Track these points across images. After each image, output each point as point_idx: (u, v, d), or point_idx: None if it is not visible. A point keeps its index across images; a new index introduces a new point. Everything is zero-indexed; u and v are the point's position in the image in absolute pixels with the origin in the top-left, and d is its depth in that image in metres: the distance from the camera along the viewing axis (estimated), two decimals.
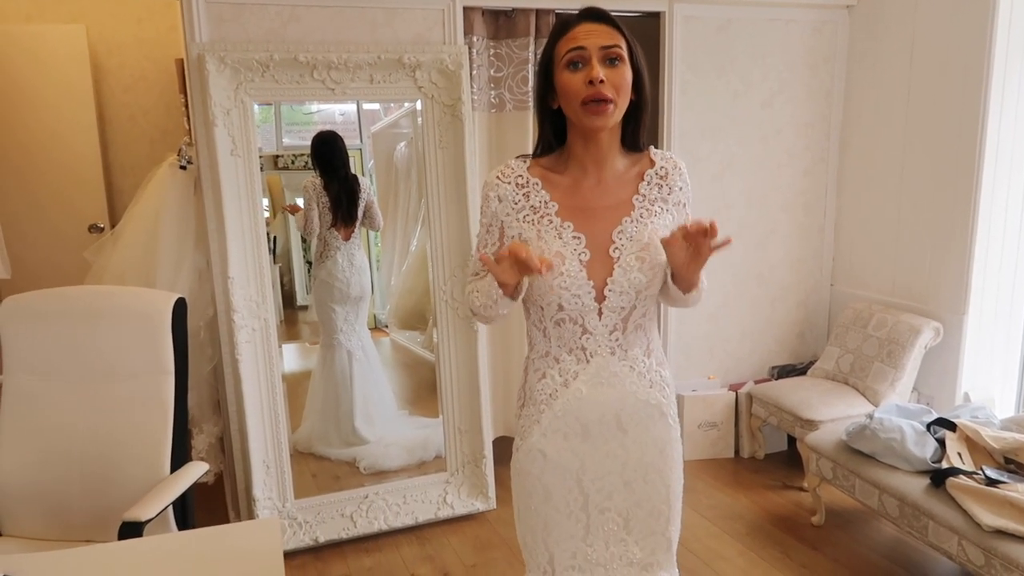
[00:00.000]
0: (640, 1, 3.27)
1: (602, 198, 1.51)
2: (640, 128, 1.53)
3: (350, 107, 3.70)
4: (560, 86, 1.44)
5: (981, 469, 2.44)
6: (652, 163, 1.55)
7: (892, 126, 3.44)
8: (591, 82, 1.39)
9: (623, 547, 1.59)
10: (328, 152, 3.38)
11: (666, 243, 1.44)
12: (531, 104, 3.24)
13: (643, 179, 1.54)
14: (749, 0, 3.41)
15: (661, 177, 1.54)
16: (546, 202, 1.50)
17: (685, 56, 3.39)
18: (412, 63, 2.86)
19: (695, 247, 1.40)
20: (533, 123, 3.23)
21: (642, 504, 1.59)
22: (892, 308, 3.40)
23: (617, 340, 1.52)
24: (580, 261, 1.47)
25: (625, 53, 1.44)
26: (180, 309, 2.14)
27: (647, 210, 1.52)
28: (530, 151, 1.60)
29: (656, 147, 1.61)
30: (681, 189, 1.57)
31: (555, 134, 1.53)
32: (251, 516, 2.86)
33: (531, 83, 3.23)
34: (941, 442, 2.62)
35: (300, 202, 3.50)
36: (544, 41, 3.19)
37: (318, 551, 2.94)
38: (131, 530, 1.78)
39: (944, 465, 2.52)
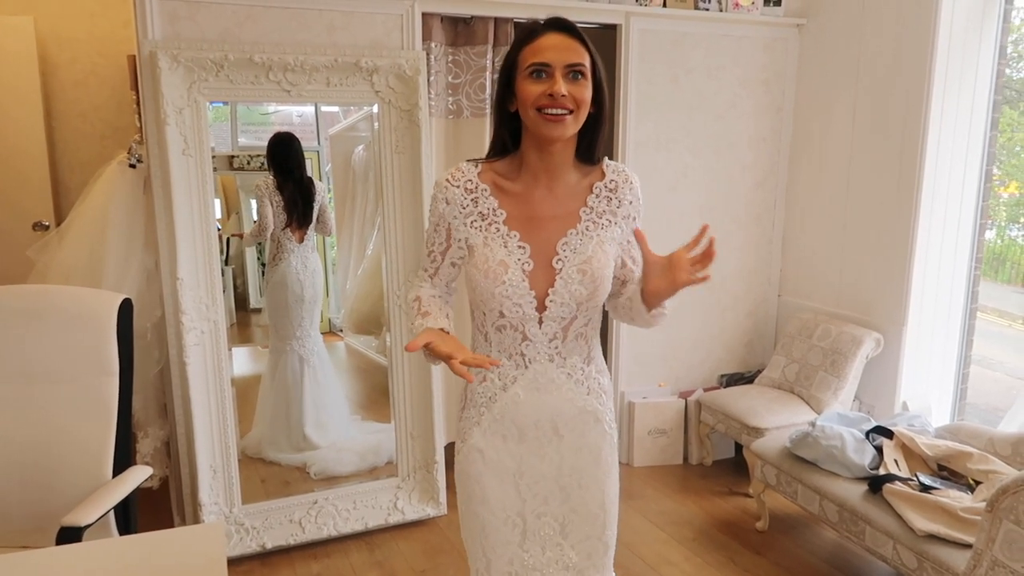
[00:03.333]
0: (598, 13, 3.32)
1: (551, 208, 1.52)
2: (596, 141, 1.53)
3: (308, 108, 3.68)
4: (520, 92, 1.44)
5: (916, 476, 2.53)
6: (603, 175, 1.55)
7: (838, 142, 3.55)
8: (552, 95, 1.40)
9: (559, 551, 1.61)
10: (284, 153, 3.36)
11: (666, 260, 1.42)
12: (488, 111, 3.26)
13: (592, 191, 1.54)
14: (704, 16, 3.49)
15: (611, 190, 1.54)
16: (494, 209, 1.51)
17: (641, 68, 3.45)
18: (369, 67, 2.86)
19: (673, 275, 1.40)
20: (490, 129, 3.27)
21: (578, 509, 1.61)
22: (836, 319, 3.50)
23: (556, 348, 1.54)
24: (523, 271, 1.48)
25: (588, 68, 1.44)
26: (126, 310, 2.10)
27: (593, 223, 1.52)
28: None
29: (611, 158, 1.61)
30: (631, 203, 1.55)
31: (511, 137, 1.53)
32: (197, 522, 2.82)
33: (489, 90, 3.25)
34: (879, 449, 2.71)
35: (253, 205, 3.47)
36: (502, 49, 3.23)
37: (265, 557, 2.91)
38: (70, 535, 1.75)
39: (881, 472, 2.60)
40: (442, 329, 1.45)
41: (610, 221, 1.54)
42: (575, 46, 1.43)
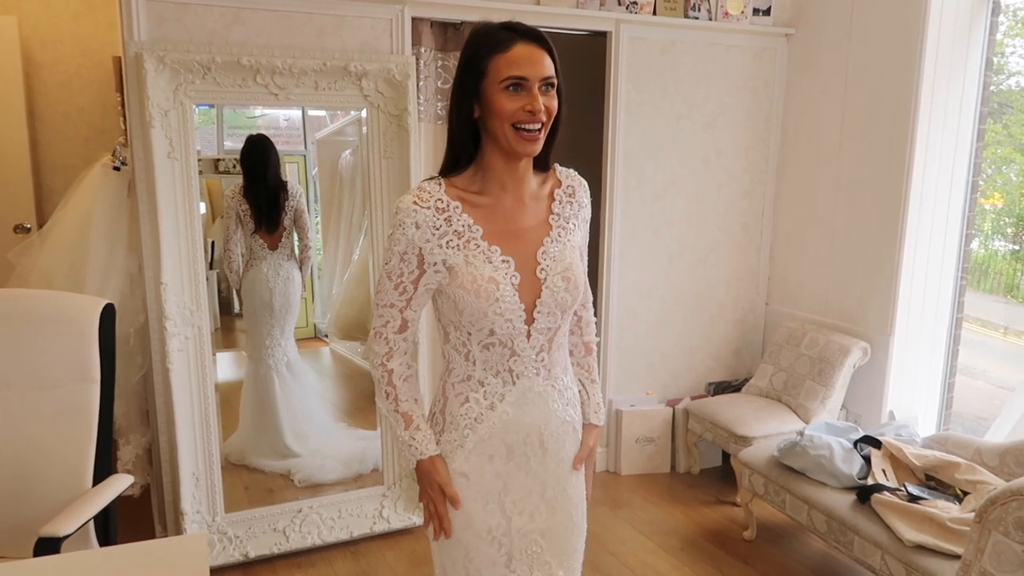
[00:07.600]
0: (588, 20, 3.31)
1: (523, 219, 1.50)
2: (552, 148, 1.52)
3: (295, 112, 3.64)
4: (495, 106, 1.40)
5: (904, 486, 2.54)
6: (559, 182, 1.56)
7: (826, 152, 3.57)
8: (531, 112, 1.39)
9: (547, 569, 1.58)
10: (254, 156, 3.28)
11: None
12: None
13: (554, 198, 1.54)
14: (693, 24, 3.50)
15: (569, 195, 1.55)
16: (470, 226, 1.46)
17: (630, 76, 3.45)
18: (358, 71, 2.84)
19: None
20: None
21: (562, 521, 1.60)
22: (824, 328, 3.51)
23: (543, 360, 1.52)
24: (512, 285, 1.45)
25: (555, 79, 1.43)
26: (108, 315, 2.06)
27: (563, 228, 1.53)
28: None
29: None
30: (586, 206, 1.59)
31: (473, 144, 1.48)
32: (179, 531, 2.77)
33: None
34: (867, 459, 2.71)
35: None
36: None
37: (248, 567, 2.86)
38: (48, 546, 1.71)
39: (870, 482, 2.60)
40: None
41: (574, 225, 1.56)
42: (546, 59, 1.42)
